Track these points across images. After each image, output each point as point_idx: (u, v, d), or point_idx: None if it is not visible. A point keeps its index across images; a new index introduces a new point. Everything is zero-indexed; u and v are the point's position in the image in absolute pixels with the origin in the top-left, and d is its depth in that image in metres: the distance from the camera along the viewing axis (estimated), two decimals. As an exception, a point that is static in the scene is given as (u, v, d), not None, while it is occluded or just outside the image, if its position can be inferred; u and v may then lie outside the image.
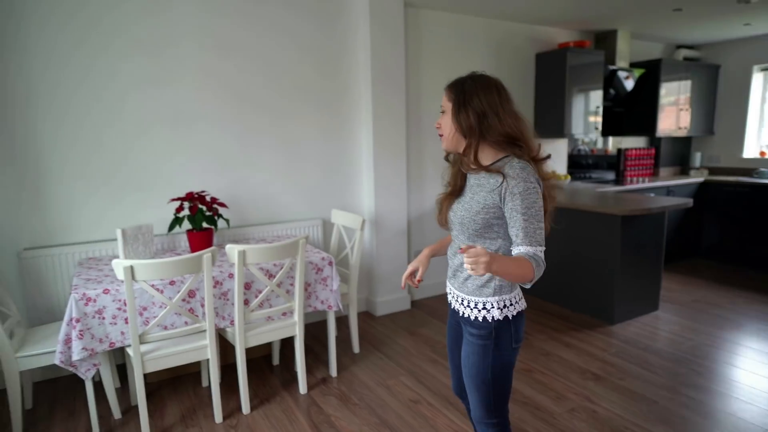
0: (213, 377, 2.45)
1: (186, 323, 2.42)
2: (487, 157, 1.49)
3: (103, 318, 2.28)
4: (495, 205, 1.45)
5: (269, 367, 3.08)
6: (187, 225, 3.03)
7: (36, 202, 2.78)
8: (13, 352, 2.30)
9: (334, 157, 3.68)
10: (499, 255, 1.31)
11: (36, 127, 2.73)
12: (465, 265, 1.30)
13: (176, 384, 2.86)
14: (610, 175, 5.41)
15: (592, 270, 3.73)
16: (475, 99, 1.45)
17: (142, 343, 2.29)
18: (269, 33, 3.31)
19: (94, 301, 2.25)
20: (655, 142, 5.79)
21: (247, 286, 2.60)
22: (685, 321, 3.69)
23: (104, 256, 2.90)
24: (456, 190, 1.58)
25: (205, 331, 2.42)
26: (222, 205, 2.94)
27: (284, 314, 2.71)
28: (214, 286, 2.51)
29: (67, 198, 2.85)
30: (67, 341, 2.21)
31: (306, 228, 3.57)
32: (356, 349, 3.26)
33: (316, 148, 3.60)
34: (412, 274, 1.70)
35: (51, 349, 2.33)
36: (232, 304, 2.53)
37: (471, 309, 1.54)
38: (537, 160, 1.48)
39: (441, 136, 1.55)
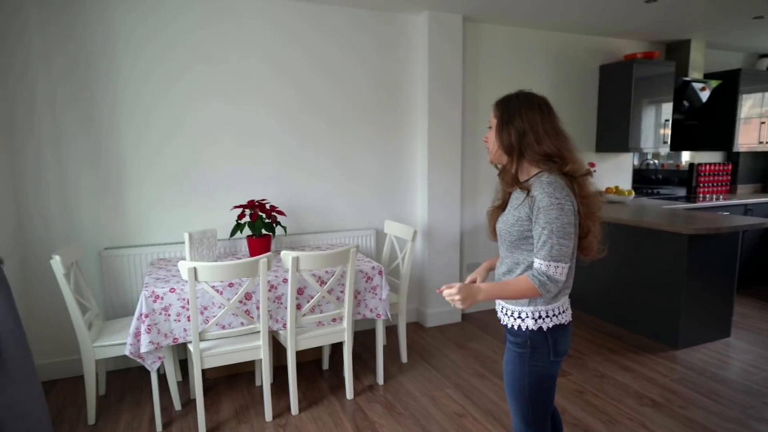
0: (265, 377, 2.60)
1: (242, 324, 2.60)
2: (525, 172, 1.58)
3: (169, 315, 2.49)
4: (527, 218, 1.53)
5: (319, 371, 3.21)
6: (247, 231, 3.23)
7: (117, 206, 3.09)
8: (91, 342, 2.57)
9: (389, 169, 3.80)
10: (484, 285, 1.51)
11: (119, 137, 3.04)
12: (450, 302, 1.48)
13: (232, 381, 3.05)
14: (681, 192, 5.18)
15: (656, 291, 3.59)
16: (517, 118, 1.54)
17: (201, 340, 2.49)
18: (332, 48, 3.49)
19: (162, 298, 2.47)
20: (732, 157, 5.47)
21: (300, 292, 2.75)
22: (760, 350, 3.47)
23: (172, 257, 3.15)
24: (503, 203, 1.69)
25: (259, 332, 2.59)
26: (280, 213, 3.13)
27: (334, 320, 2.83)
28: (269, 290, 2.68)
29: (142, 203, 3.14)
30: (137, 334, 2.44)
31: (359, 237, 3.70)
32: (404, 358, 3.33)
33: (372, 160, 3.73)
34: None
35: (123, 341, 2.58)
36: (285, 307, 2.69)
37: (508, 317, 1.62)
38: (575, 176, 1.53)
39: (488, 150, 1.66)
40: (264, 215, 3.05)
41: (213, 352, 2.50)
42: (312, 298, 2.76)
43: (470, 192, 4.13)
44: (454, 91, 3.78)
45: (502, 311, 1.66)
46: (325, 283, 2.78)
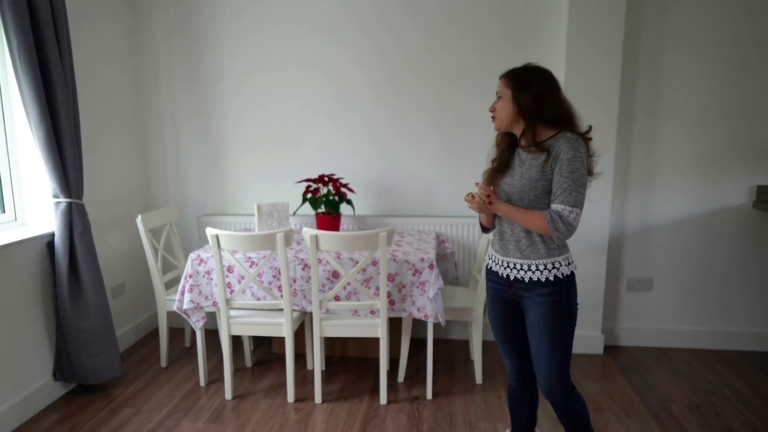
0: (288, 355, 2.86)
1: (263, 299, 2.89)
2: (541, 134, 1.91)
3: (211, 278, 2.97)
4: (550, 173, 1.87)
5: (394, 369, 3.23)
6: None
7: (218, 177, 3.78)
8: (164, 294, 3.25)
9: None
10: (505, 203, 1.95)
11: (223, 110, 3.69)
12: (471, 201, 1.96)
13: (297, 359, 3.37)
14: None
15: None
16: (534, 84, 1.89)
17: (230, 308, 2.89)
18: (435, 12, 3.44)
19: (205, 262, 2.96)
20: None
21: (335, 275, 2.89)
22: None
23: (254, 228, 3.67)
24: (502, 166, 2.02)
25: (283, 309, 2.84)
26: (350, 189, 3.31)
27: (373, 312, 2.88)
28: (303, 269, 2.90)
29: (239, 175, 3.76)
30: (183, 292, 2.99)
31: (459, 226, 3.58)
32: (478, 378, 3.12)
33: (484, 142, 3.53)
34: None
35: (184, 297, 3.18)
36: (319, 290, 2.86)
37: (541, 271, 1.93)
38: (585, 138, 1.91)
39: (494, 119, 2.01)
40: (329, 190, 3.27)
41: (240, 320, 2.89)
42: (348, 284, 2.86)
43: (636, 179, 3.48)
44: (598, 74, 3.22)
45: (530, 269, 1.94)
46: (365, 270, 2.85)
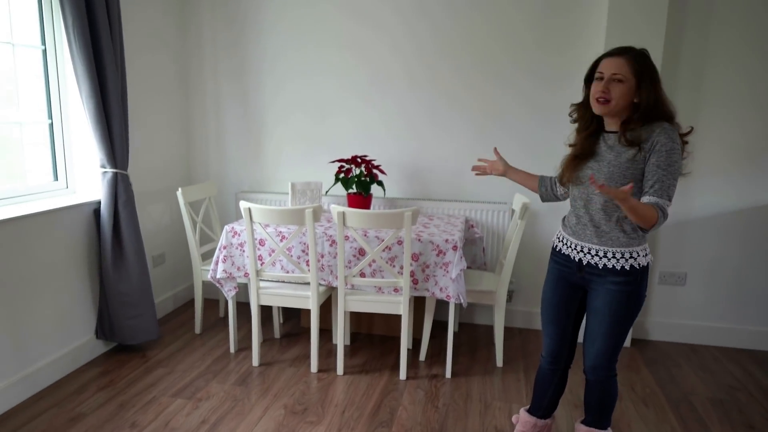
0: (313, 327, 3.03)
1: (290, 272, 3.07)
2: (638, 124, 1.90)
3: (243, 250, 3.17)
4: (643, 162, 1.87)
5: (416, 347, 3.37)
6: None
7: (255, 157, 3.98)
8: (201, 265, 3.48)
9: (541, 137, 3.59)
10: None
11: (262, 91, 3.88)
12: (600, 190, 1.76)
13: (321, 334, 3.56)
14: None
15: None
16: (656, 74, 1.87)
17: (260, 279, 3.08)
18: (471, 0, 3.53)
19: (239, 235, 3.16)
20: None
21: (362, 253, 3.04)
22: None
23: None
24: (586, 152, 2.00)
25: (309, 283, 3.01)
26: (381, 171, 3.44)
27: (396, 290, 3.01)
28: (331, 245, 3.06)
29: (275, 155, 3.95)
30: (217, 262, 3.20)
31: (489, 212, 3.67)
32: (499, 361, 3.22)
33: (520, 126, 3.61)
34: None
35: (218, 268, 3.39)
36: (345, 266, 3.02)
37: (617, 259, 1.95)
38: (683, 136, 1.90)
39: (603, 102, 1.89)
40: (360, 171, 3.41)
41: (269, 291, 3.08)
42: (374, 262, 3.01)
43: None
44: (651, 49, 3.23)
45: (606, 256, 1.96)
46: (390, 248, 2.99)
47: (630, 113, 1.90)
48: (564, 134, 3.44)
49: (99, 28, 2.88)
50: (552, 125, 3.55)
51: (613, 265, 1.95)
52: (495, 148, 2.47)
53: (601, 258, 1.98)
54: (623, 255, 1.94)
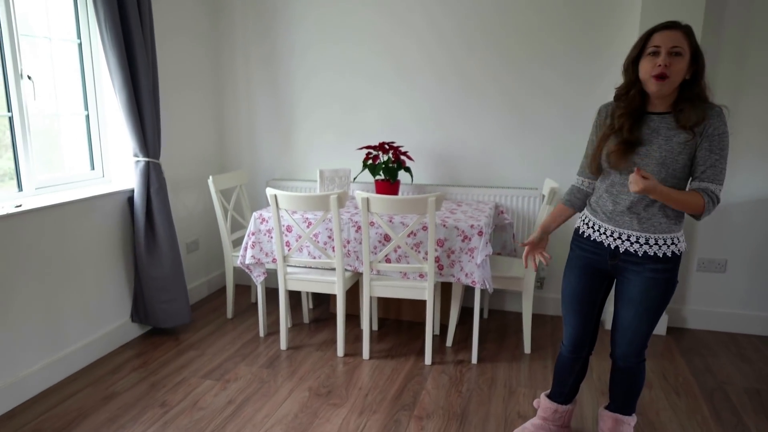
0: (339, 312, 3.09)
1: (315, 257, 3.13)
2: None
3: (271, 237, 3.25)
4: (696, 145, 1.84)
5: (443, 332, 3.41)
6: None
7: (286, 145, 4.06)
8: (231, 251, 3.59)
9: (575, 123, 3.53)
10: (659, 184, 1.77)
11: (292, 80, 3.95)
12: (633, 181, 1.74)
13: (350, 320, 3.62)
14: None
15: None
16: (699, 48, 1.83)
17: (287, 264, 3.15)
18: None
19: (267, 221, 3.24)
20: None
21: (387, 239, 3.08)
22: None
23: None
24: (633, 138, 1.89)
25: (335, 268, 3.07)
26: (409, 157, 3.46)
27: (422, 276, 3.04)
28: (357, 231, 3.11)
29: (306, 142, 4.02)
30: (246, 248, 3.29)
31: (519, 198, 3.64)
32: (527, 348, 3.22)
33: (547, 114, 3.56)
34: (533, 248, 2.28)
35: (248, 254, 3.49)
36: (370, 251, 3.06)
37: (659, 246, 1.92)
38: None
39: (662, 78, 1.78)
40: (388, 157, 3.44)
41: (296, 277, 3.15)
42: (399, 248, 3.04)
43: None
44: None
45: (648, 242, 1.92)
46: (415, 234, 3.02)
47: (679, 92, 1.85)
48: (589, 116, 3.40)
49: (130, 21, 2.99)
50: (582, 107, 3.50)
51: (654, 252, 1.92)
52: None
53: (642, 245, 1.93)
54: (665, 241, 1.91)
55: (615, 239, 1.99)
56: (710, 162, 1.80)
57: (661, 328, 3.50)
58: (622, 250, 1.97)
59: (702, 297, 3.57)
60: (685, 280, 3.57)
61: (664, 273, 1.92)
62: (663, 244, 1.91)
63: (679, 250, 1.92)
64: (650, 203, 1.90)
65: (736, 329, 3.52)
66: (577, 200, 2.19)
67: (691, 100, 1.82)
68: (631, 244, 1.95)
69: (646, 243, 1.92)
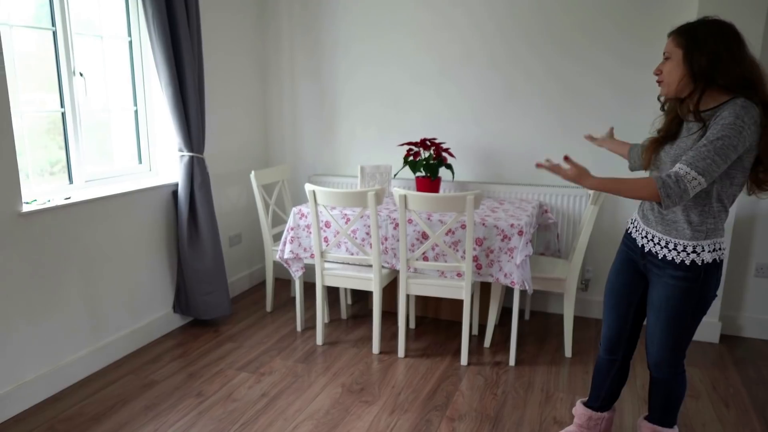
0: (375, 309, 3.11)
1: (353, 254, 3.16)
2: (712, 100, 1.78)
3: (310, 232, 3.30)
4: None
5: (482, 333, 3.39)
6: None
7: (329, 140, 4.11)
8: (272, 245, 3.66)
9: (629, 117, 3.41)
10: (599, 176, 1.84)
11: (335, 76, 3.99)
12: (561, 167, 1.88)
13: (387, 317, 3.64)
14: None
15: None
16: (710, 42, 1.73)
17: (325, 260, 3.20)
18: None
19: (306, 217, 3.30)
20: None
21: (425, 236, 3.08)
22: None
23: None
24: (669, 135, 1.91)
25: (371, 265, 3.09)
26: (450, 154, 3.44)
27: (459, 275, 3.03)
28: (395, 228, 3.12)
29: (349, 138, 4.05)
30: (285, 243, 3.36)
31: (564, 197, 3.57)
32: (568, 352, 3.15)
33: (593, 111, 3.47)
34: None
35: (288, 249, 3.56)
36: (408, 249, 3.07)
37: (679, 252, 1.86)
38: None
39: (660, 83, 1.89)
40: (432, 154, 3.43)
41: (333, 272, 3.20)
42: (436, 245, 3.03)
43: None
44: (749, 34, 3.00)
45: (667, 246, 1.88)
46: (453, 232, 3.00)
47: (693, 89, 1.80)
48: (649, 113, 3.29)
49: (177, 18, 3.09)
50: (635, 102, 3.39)
51: (673, 258, 1.87)
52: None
53: (662, 248, 1.90)
54: (685, 248, 1.85)
55: (643, 237, 1.99)
56: (696, 147, 1.71)
57: (713, 335, 3.36)
58: (647, 249, 1.97)
59: (760, 304, 3.40)
60: (742, 286, 3.41)
61: (684, 282, 1.86)
62: (682, 251, 1.85)
63: (702, 261, 1.83)
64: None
65: (797, 340, 3.35)
66: (635, 153, 2.21)
67: (719, 98, 1.77)
68: (654, 245, 1.93)
69: (666, 246, 1.89)
